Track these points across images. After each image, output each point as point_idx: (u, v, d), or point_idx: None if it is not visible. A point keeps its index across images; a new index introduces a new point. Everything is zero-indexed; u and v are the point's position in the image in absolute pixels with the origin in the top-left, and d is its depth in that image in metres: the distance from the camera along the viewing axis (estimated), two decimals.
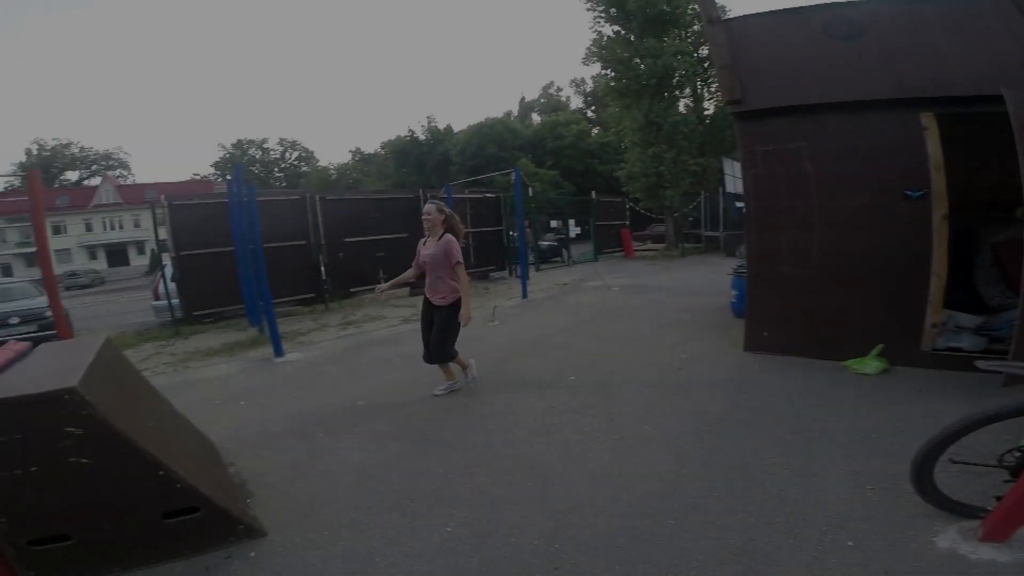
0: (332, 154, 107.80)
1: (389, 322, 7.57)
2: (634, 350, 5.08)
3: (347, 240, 9.63)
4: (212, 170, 54.30)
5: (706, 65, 16.37)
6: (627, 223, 18.63)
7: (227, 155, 54.39)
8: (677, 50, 16.56)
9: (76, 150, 49.96)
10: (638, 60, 16.68)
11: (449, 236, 3.75)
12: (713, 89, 17.45)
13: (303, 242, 9.08)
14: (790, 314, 4.48)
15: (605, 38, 17.48)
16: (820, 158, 4.22)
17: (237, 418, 3.88)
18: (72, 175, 48.78)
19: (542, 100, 48.52)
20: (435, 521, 2.36)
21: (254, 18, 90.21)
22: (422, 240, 3.97)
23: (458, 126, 41.67)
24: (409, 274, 4.07)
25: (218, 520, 2.24)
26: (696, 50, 16.94)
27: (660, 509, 2.31)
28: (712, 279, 9.03)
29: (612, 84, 17.98)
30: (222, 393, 4.59)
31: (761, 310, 4.68)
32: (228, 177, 48.44)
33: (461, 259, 3.73)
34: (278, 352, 5.87)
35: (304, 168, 58.37)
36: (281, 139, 59.72)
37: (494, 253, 12.39)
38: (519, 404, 3.77)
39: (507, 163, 29.47)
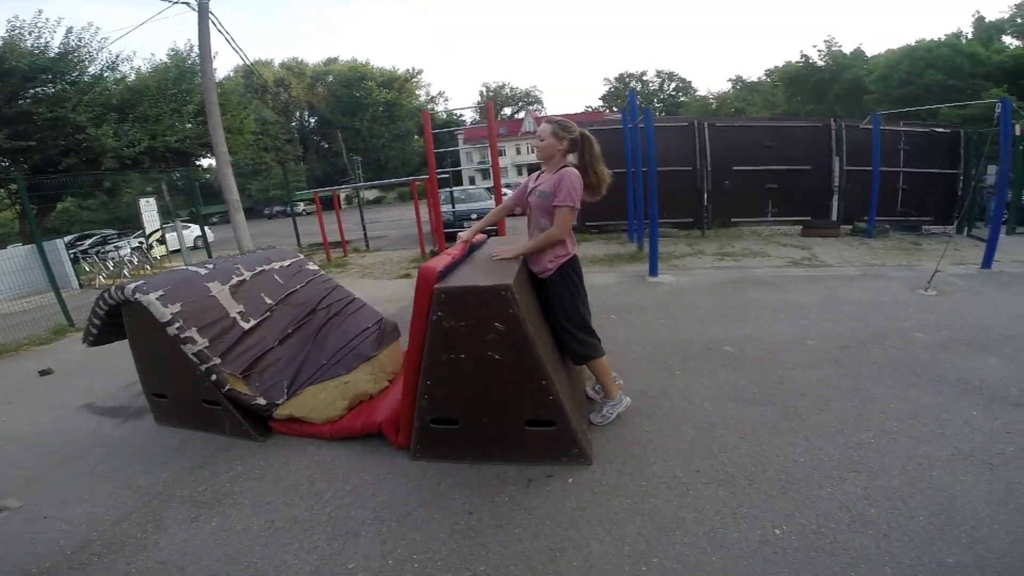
0: (710, 84, 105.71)
1: (772, 261, 6.69)
2: None
3: (735, 168, 8.89)
4: (600, 102, 60.55)
5: None
6: None
7: (612, 88, 59.63)
8: None
9: (508, 90, 64.03)
10: None
11: (570, 170, 2.42)
12: None
13: (688, 168, 8.90)
14: None
15: None
16: None
17: (604, 332, 3.61)
18: (507, 110, 62.83)
19: (1019, 19, 32.26)
20: (767, 515, 1.95)
21: None
22: (535, 173, 2.71)
23: (870, 50, 33.00)
24: (500, 212, 2.87)
25: (564, 439, 2.28)
26: None
27: None
28: None
29: None
30: (597, 303, 4.73)
31: None
32: (615, 109, 52.94)
33: (574, 201, 2.37)
34: (653, 272, 6.07)
35: (682, 98, 57.63)
36: (658, 71, 60.67)
37: (935, 202, 9.08)
38: (947, 412, 2.64)
39: (960, 94, 22.26)
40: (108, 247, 13.19)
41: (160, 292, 2.72)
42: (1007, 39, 31.75)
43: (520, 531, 1.96)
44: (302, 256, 4.08)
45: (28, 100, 12.97)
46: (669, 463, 2.33)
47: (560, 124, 2.46)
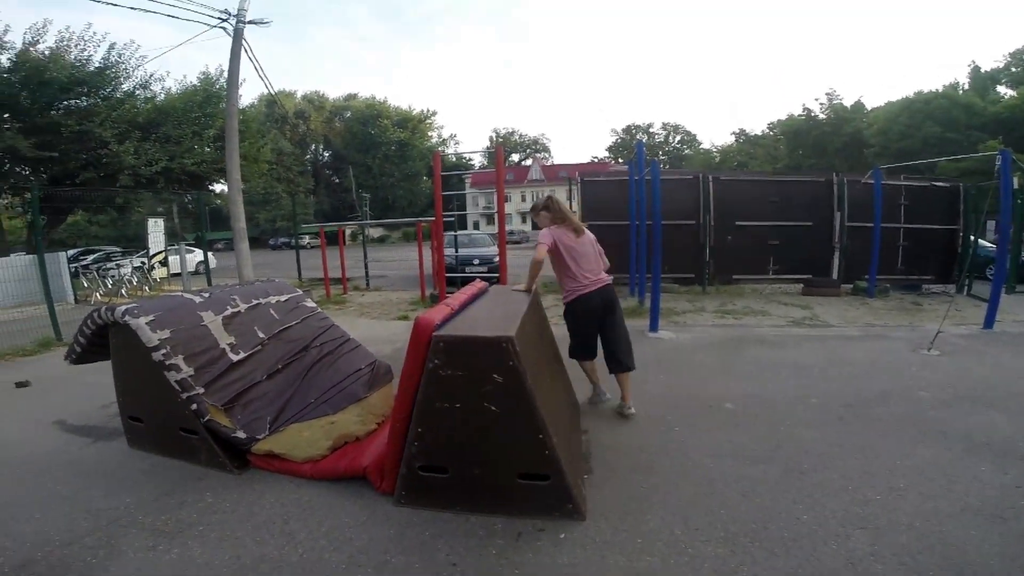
0: (714, 136, 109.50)
1: (774, 320, 6.62)
2: None
3: (738, 224, 8.95)
4: (606, 153, 62.39)
5: None
6: None
7: (618, 139, 61.53)
8: None
9: (517, 137, 66.12)
10: None
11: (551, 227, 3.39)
12: None
13: (691, 222, 8.94)
14: None
15: None
16: None
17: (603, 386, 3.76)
18: (515, 157, 64.68)
19: (1014, 68, 33.19)
20: (769, 574, 1.87)
21: (634, 14, 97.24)
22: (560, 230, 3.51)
23: (871, 102, 34.21)
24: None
25: (557, 493, 2.19)
26: None
27: None
28: None
29: None
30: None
31: None
32: (620, 160, 54.37)
33: (543, 241, 3.29)
34: (653, 327, 5.99)
35: (686, 151, 59.26)
36: (664, 123, 62.91)
37: (935, 259, 9.03)
38: (955, 468, 2.60)
39: (957, 147, 22.67)
40: (110, 264, 13.23)
41: (151, 317, 2.67)
42: (1002, 89, 32.30)
43: None
44: (300, 292, 4.05)
45: (60, 111, 13.06)
46: (666, 520, 2.22)
47: (544, 205, 3.48)
